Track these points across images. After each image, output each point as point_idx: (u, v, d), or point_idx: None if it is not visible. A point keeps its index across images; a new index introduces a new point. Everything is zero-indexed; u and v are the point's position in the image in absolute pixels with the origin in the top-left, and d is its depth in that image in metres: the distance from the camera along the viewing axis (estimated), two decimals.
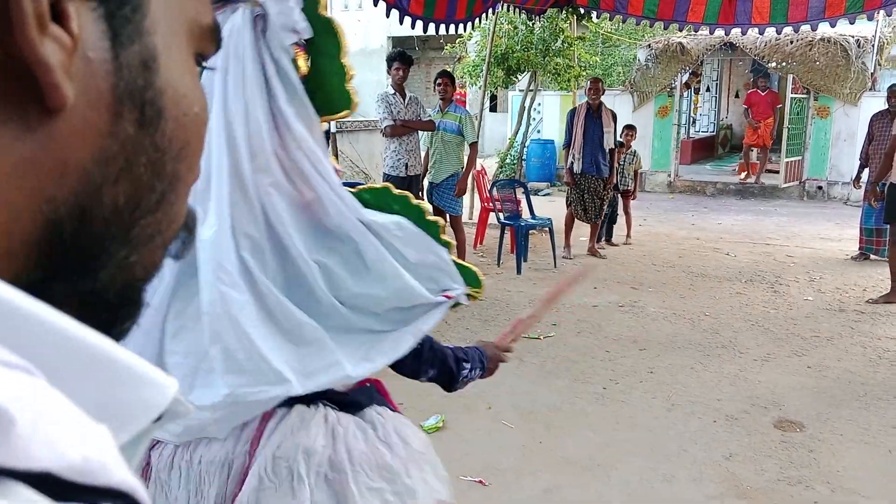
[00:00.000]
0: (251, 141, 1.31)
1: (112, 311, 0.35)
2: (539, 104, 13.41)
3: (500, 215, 7.36)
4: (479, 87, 10.30)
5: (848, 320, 5.45)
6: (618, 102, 13.09)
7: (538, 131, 13.82)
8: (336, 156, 6.89)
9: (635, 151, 8.31)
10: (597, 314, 5.55)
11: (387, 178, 6.36)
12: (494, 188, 7.52)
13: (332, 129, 6.75)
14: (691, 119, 15.72)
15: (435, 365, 1.59)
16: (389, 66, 6.24)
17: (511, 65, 10.90)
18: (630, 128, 8.28)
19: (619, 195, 8.08)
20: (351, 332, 1.36)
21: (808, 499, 2.96)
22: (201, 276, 1.28)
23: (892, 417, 3.75)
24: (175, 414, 0.31)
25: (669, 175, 12.95)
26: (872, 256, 7.35)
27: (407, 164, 6.30)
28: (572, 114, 7.38)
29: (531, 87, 12.06)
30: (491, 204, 7.55)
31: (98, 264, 0.34)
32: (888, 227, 6.14)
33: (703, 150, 16.19)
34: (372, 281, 1.38)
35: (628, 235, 8.38)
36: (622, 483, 3.06)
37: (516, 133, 12.49)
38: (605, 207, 7.55)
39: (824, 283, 6.57)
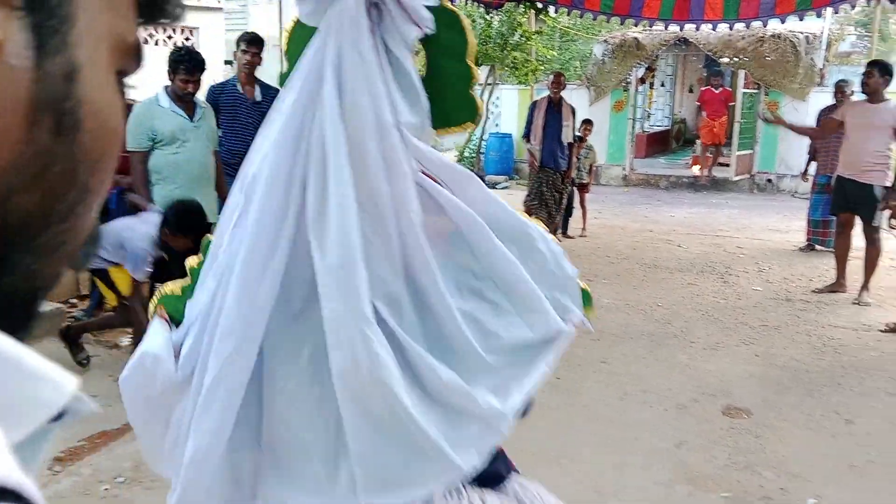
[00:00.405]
0: (388, 162, 1.09)
1: (8, 320, 0.34)
2: (497, 98, 13.46)
3: None
4: None
5: (794, 309, 5.62)
6: (575, 97, 13.18)
7: (496, 125, 13.86)
8: None
9: (591, 146, 8.44)
10: None
11: None
12: None
13: None
14: (646, 113, 15.95)
15: None
16: None
17: None
18: (588, 122, 8.41)
19: (574, 188, 8.18)
20: (490, 372, 1.22)
21: (754, 484, 3.05)
22: (332, 325, 1.06)
23: (836, 403, 3.87)
24: (77, 412, 0.31)
25: (624, 168, 13.13)
26: (819, 247, 7.57)
27: None
28: (533, 107, 7.46)
29: (489, 81, 12.10)
30: None
31: (1, 271, 0.33)
32: (834, 218, 6.35)
33: (657, 144, 16.44)
34: (521, 324, 1.26)
35: (584, 228, 8.49)
36: (574, 471, 3.11)
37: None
38: (563, 200, 7.64)
39: (772, 274, 6.76)
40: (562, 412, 3.69)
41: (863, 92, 5.94)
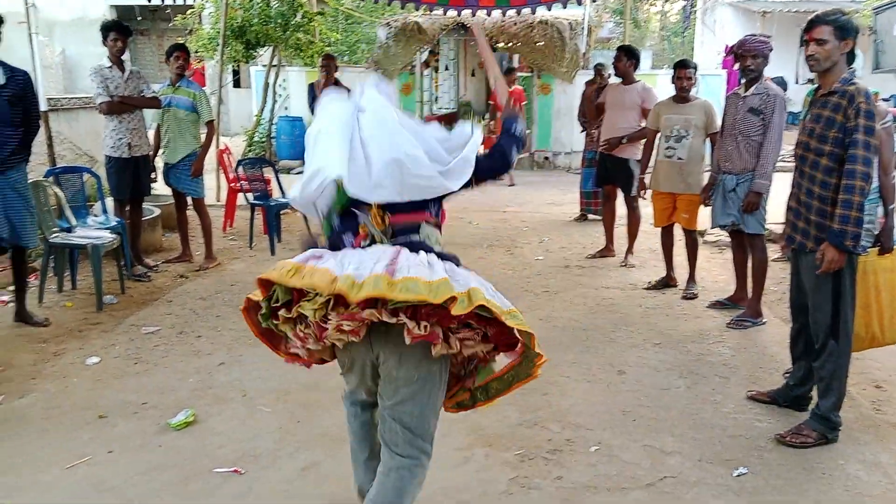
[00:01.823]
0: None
1: None
2: (284, 80, 13.12)
3: (249, 196, 7.12)
4: (217, 62, 9.80)
5: (572, 275, 6.11)
6: (362, 80, 13.25)
7: (286, 108, 13.53)
8: (50, 138, 6.14)
9: None
10: None
11: (109, 160, 5.82)
12: (241, 167, 7.25)
13: (45, 108, 6.00)
14: (434, 96, 16.41)
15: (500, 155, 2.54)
16: (105, 38, 5.66)
17: (250, 38, 10.50)
18: None
19: None
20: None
21: (543, 438, 3.28)
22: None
23: (609, 356, 4.29)
24: None
25: None
26: (591, 216, 8.31)
27: (130, 143, 5.78)
28: (311, 88, 7.35)
29: (274, 63, 11.75)
30: (238, 184, 7.27)
31: None
32: (601, 189, 6.98)
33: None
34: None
35: None
36: None
37: (262, 110, 12.12)
38: None
39: (552, 244, 7.30)
40: None
41: (615, 75, 6.55)
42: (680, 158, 5.32)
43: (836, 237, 3.06)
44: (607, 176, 6.54)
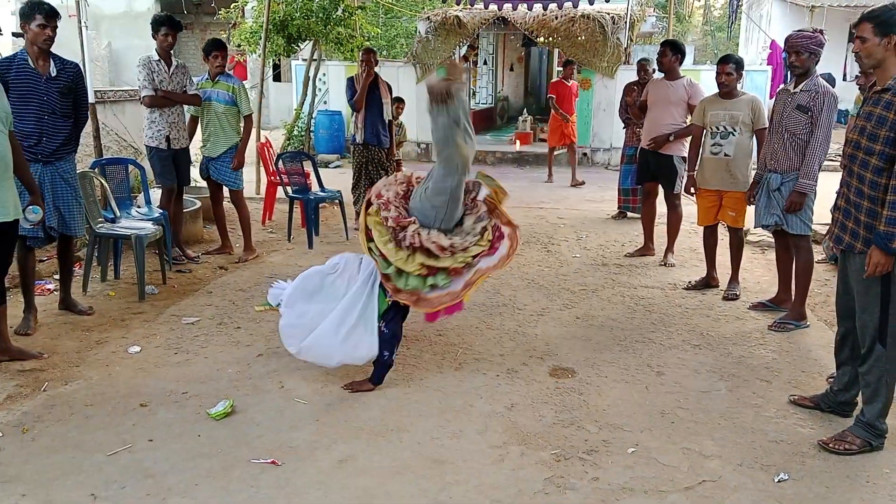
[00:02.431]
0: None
1: None
2: (324, 74, 13.21)
3: (288, 189, 7.19)
4: (259, 55, 9.90)
5: (609, 273, 6.05)
6: (401, 74, 13.28)
7: (325, 102, 13.62)
8: (97, 129, 6.27)
9: (402, 122, 8.75)
10: None
11: (149, 150, 5.93)
12: (281, 161, 7.32)
13: (92, 100, 6.12)
14: (471, 91, 16.37)
15: None
16: (156, 31, 5.76)
17: (291, 32, 10.59)
18: (399, 100, 8.55)
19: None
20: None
21: (579, 438, 3.26)
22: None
23: (647, 356, 4.23)
24: None
25: None
26: (630, 214, 8.21)
27: (168, 136, 5.89)
28: (351, 81, 7.33)
29: (314, 57, 11.83)
30: (278, 177, 7.34)
31: None
32: (641, 187, 6.89)
33: (482, 121, 16.95)
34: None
35: None
36: (414, 444, 3.16)
37: (302, 104, 12.22)
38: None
39: (589, 241, 7.23)
40: (399, 388, 3.74)
41: (659, 70, 6.45)
42: (727, 155, 5.20)
43: (883, 240, 2.97)
44: (649, 173, 6.44)
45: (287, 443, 3.15)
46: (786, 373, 4.03)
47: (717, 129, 5.24)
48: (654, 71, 8.04)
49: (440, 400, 3.61)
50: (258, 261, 6.26)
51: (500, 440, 3.22)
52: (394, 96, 8.02)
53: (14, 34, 9.96)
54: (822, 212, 4.63)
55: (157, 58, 5.79)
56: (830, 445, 3.17)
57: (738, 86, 5.44)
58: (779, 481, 2.93)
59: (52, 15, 4.32)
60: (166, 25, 5.74)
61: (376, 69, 7.35)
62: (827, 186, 4.69)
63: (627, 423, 3.40)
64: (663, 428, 3.37)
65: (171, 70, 5.83)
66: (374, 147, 7.30)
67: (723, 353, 4.31)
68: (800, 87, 4.55)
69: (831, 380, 3.67)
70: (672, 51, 6.21)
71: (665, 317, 4.96)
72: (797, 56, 4.49)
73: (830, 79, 8.39)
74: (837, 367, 3.53)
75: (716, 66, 5.37)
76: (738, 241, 5.45)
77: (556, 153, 11.46)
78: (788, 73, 4.78)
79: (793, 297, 4.85)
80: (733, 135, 5.18)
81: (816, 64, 4.54)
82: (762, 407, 3.60)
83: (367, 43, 12.56)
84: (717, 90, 5.36)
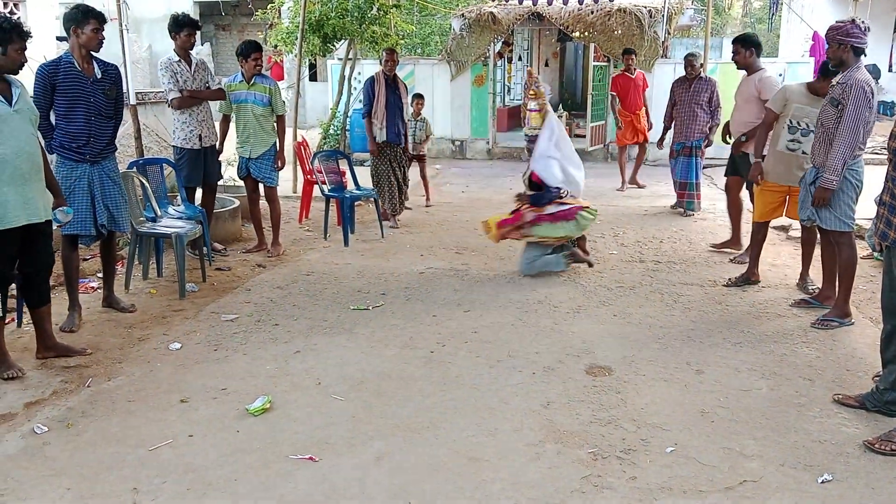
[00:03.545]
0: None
1: None
2: (359, 73, 13.27)
3: (325, 187, 7.25)
4: (295, 56, 9.99)
5: (647, 270, 5.97)
6: (436, 72, 13.30)
7: (360, 101, 13.68)
8: (139, 130, 6.40)
9: (425, 117, 8.84)
10: (423, 280, 5.66)
11: (179, 151, 6.02)
12: (317, 160, 7.38)
13: (132, 101, 6.24)
14: (506, 87, 16.30)
15: None
16: (178, 32, 5.83)
17: (327, 32, 10.66)
18: (419, 97, 8.68)
19: (416, 161, 8.55)
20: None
21: (617, 437, 3.22)
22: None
23: (687, 355, 4.17)
24: None
25: (488, 143, 13.40)
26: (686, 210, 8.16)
27: (201, 135, 6.02)
28: (371, 82, 7.40)
29: (350, 56, 11.90)
30: (314, 176, 7.41)
31: None
32: (692, 182, 7.52)
33: (517, 117, 16.83)
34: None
35: (428, 199, 8.87)
36: (450, 441, 3.17)
37: (338, 103, 12.30)
38: (408, 174, 7.90)
39: (626, 238, 7.15)
40: (435, 384, 3.74)
41: (738, 68, 6.27)
42: (804, 153, 4.96)
43: None
44: (733, 166, 6.36)
45: (324, 439, 3.18)
46: (829, 371, 3.94)
47: (800, 124, 4.96)
48: (702, 65, 7.97)
49: (475, 397, 3.60)
50: (295, 259, 6.33)
51: (536, 438, 3.20)
52: (413, 93, 8.11)
53: (58, 38, 10.20)
54: (866, 206, 4.50)
55: (177, 58, 5.88)
56: (876, 446, 3.09)
57: (780, 79, 5.32)
58: (822, 482, 2.86)
59: (104, 20, 4.45)
60: (189, 26, 5.83)
61: (410, 67, 7.45)
62: (872, 180, 4.56)
63: (666, 423, 3.36)
64: (703, 427, 3.31)
65: (193, 69, 5.93)
66: (395, 145, 7.49)
67: (764, 351, 4.23)
68: (836, 79, 4.44)
69: (877, 378, 3.57)
70: (743, 46, 6.06)
71: (704, 314, 4.88)
72: (829, 48, 4.40)
73: (875, 70, 8.19)
74: (883, 365, 3.43)
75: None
76: (813, 238, 5.26)
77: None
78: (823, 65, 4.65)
79: (836, 294, 4.73)
80: (814, 133, 4.79)
81: (858, 55, 4.37)
82: (805, 406, 3.52)
83: (402, 41, 12.58)
84: (810, 81, 5.17)
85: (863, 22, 4.42)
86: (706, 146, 7.95)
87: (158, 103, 7.64)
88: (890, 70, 14.45)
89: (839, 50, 4.33)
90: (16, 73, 3.67)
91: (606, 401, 3.57)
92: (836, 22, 4.44)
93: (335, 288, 5.42)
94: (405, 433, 3.25)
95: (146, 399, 3.57)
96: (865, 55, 4.43)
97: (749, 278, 5.51)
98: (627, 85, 9.80)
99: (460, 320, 4.74)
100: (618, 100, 9.88)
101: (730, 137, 6.32)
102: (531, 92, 5.95)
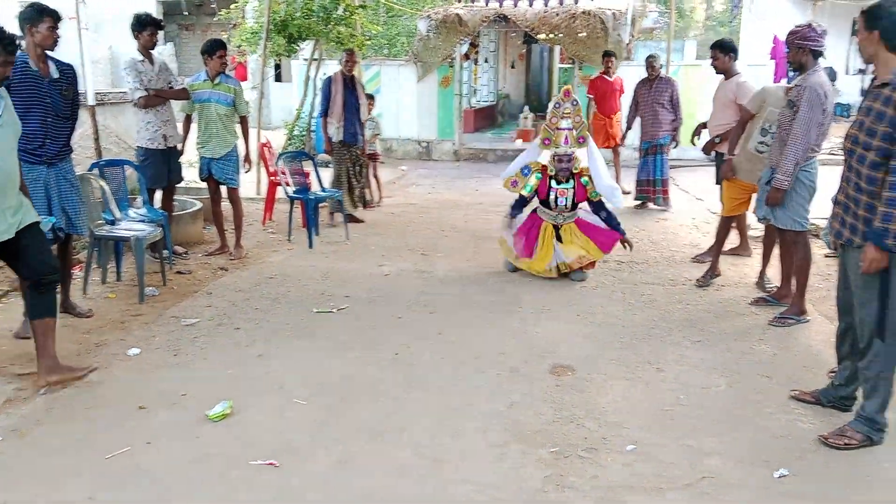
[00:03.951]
0: None
1: None
2: (325, 74, 13.14)
3: (289, 189, 7.19)
4: (260, 56, 9.90)
5: (610, 269, 6.03)
6: (402, 73, 13.27)
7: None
8: (97, 131, 6.28)
9: (374, 117, 8.87)
10: (388, 282, 5.64)
11: (145, 152, 5.93)
12: (281, 161, 7.32)
13: (91, 102, 6.13)
14: (472, 89, 16.34)
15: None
16: (140, 31, 5.75)
17: (292, 32, 10.58)
18: (370, 97, 8.74)
19: (369, 160, 8.51)
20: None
21: (579, 436, 3.25)
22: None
23: (648, 354, 4.21)
24: None
25: (454, 144, 13.41)
26: (650, 205, 8.46)
27: (165, 135, 5.96)
28: (329, 82, 7.50)
29: (315, 57, 11.82)
30: (278, 177, 7.34)
31: None
32: (659, 179, 7.97)
33: (484, 118, 16.93)
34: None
35: (380, 198, 8.95)
36: (413, 443, 3.16)
37: (303, 104, 12.21)
38: (364, 173, 8.01)
39: None
40: (399, 386, 3.73)
41: (717, 73, 6.36)
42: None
43: (878, 236, 2.95)
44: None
45: (286, 444, 3.15)
46: (786, 368, 4.02)
47: (771, 128, 4.97)
48: (661, 67, 8.19)
49: (440, 399, 3.60)
50: (258, 261, 6.26)
51: (501, 439, 3.21)
52: (366, 93, 8.16)
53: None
54: (824, 205, 4.60)
55: (140, 58, 5.81)
56: (831, 440, 3.16)
57: (740, 78, 5.47)
58: (779, 477, 2.91)
59: (59, 18, 4.35)
60: (152, 25, 5.77)
61: (376, 68, 7.48)
62: (830, 180, 4.66)
63: (627, 421, 3.39)
64: (663, 425, 3.36)
65: (156, 69, 5.87)
66: (352, 146, 7.64)
67: (723, 348, 4.30)
68: (794, 82, 4.56)
69: (832, 374, 3.65)
70: (722, 51, 6.18)
71: (666, 313, 4.94)
72: (788, 52, 4.53)
73: (831, 73, 8.39)
74: (838, 361, 3.51)
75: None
76: (773, 238, 5.33)
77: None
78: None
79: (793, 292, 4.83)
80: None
81: (816, 58, 4.47)
82: (762, 403, 3.58)
83: (368, 42, 12.54)
84: (787, 85, 5.23)
85: (819, 26, 4.53)
86: (672, 145, 8.22)
87: (118, 104, 7.50)
88: (847, 73, 14.80)
89: (798, 53, 4.45)
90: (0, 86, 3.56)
91: (569, 400, 3.59)
92: (795, 26, 4.55)
93: (298, 291, 5.38)
94: (368, 436, 3.23)
95: (103, 406, 3.50)
96: (824, 58, 4.55)
97: (713, 273, 5.60)
98: (605, 88, 9.47)
99: (425, 322, 4.73)
100: (594, 103, 9.54)
101: (697, 139, 6.42)
102: (565, 110, 5.78)
